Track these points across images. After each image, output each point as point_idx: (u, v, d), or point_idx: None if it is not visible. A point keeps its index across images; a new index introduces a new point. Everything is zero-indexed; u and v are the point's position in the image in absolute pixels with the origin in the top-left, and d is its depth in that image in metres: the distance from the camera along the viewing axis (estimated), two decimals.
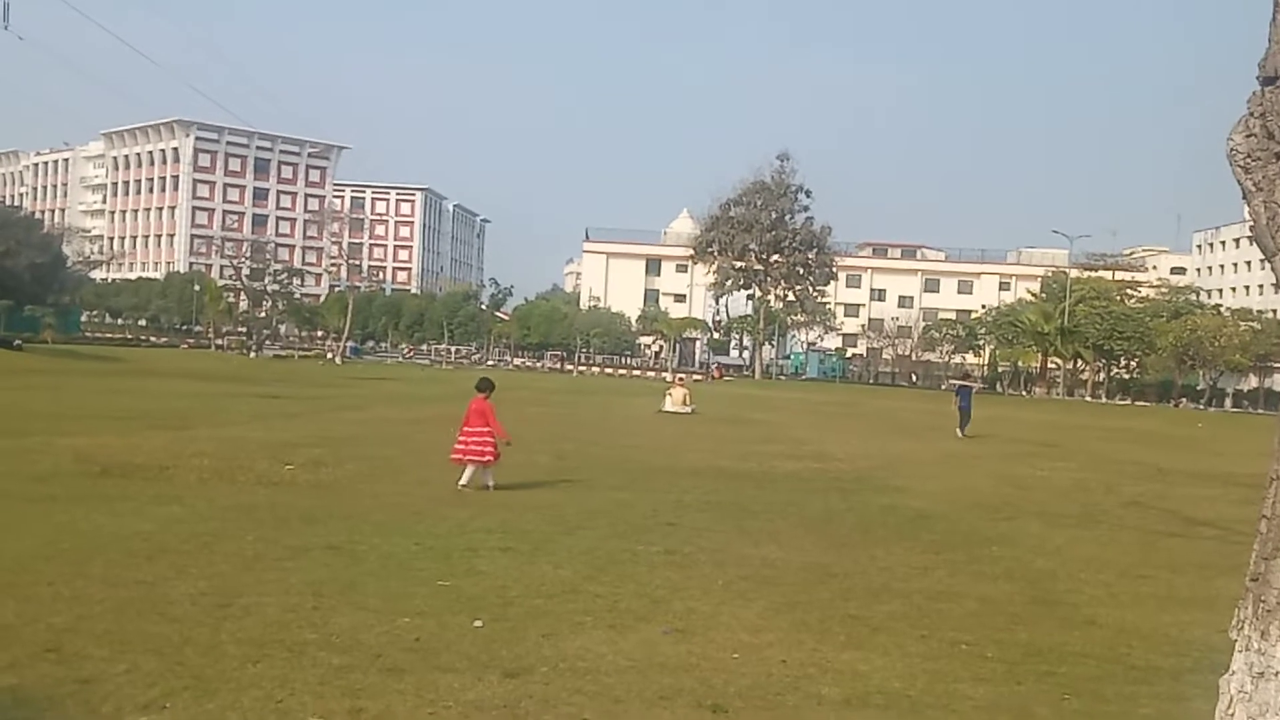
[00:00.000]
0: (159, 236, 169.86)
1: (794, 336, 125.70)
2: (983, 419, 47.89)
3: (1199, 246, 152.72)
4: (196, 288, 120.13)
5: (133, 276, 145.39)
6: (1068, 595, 10.44)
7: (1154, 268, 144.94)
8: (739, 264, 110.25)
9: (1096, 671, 7.69)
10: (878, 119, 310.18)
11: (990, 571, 11.46)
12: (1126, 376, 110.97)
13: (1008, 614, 9.40)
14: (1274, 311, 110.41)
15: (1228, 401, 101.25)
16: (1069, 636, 8.70)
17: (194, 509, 12.64)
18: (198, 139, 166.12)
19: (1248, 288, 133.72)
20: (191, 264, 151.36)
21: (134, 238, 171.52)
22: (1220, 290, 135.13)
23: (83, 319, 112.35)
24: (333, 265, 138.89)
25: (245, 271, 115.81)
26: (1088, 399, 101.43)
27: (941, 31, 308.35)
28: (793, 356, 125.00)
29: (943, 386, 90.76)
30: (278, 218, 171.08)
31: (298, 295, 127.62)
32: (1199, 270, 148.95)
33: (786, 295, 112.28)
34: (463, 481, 15.70)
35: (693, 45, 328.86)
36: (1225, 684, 2.81)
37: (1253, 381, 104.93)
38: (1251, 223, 2.72)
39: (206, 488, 14.45)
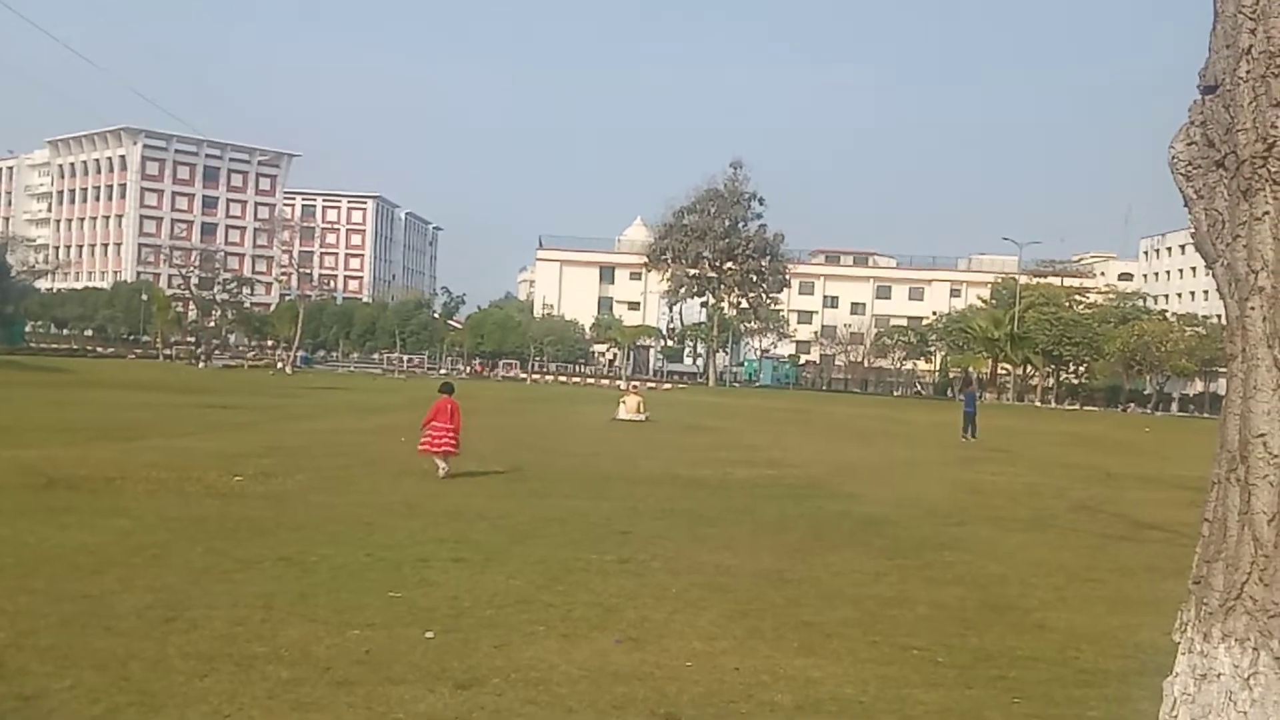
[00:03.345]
0: (106, 245, 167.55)
1: (748, 344, 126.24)
2: (932, 425, 48.38)
3: (1145, 253, 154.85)
4: (144, 297, 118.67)
5: (79, 286, 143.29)
6: (1018, 599, 10.52)
7: (1102, 274, 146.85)
8: (693, 271, 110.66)
9: (1046, 675, 7.75)
10: (829, 126, 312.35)
11: (942, 577, 11.53)
12: (1075, 381, 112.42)
13: (959, 619, 9.46)
14: (1218, 316, 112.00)
15: (1174, 406, 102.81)
16: (1019, 640, 8.77)
17: (141, 521, 12.47)
18: (145, 146, 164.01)
19: (1193, 293, 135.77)
20: (139, 273, 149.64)
21: (80, 247, 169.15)
22: (1166, 296, 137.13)
23: (27, 329, 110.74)
24: (283, 274, 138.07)
25: (194, 280, 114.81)
26: (1037, 404, 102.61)
27: (893, 38, 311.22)
28: (746, 364, 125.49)
29: (951, 395, 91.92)
30: (227, 226, 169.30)
31: (247, 304, 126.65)
32: (1145, 276, 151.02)
33: (740, 302, 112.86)
34: (443, 471, 18.08)
35: (646, 52, 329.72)
36: (1169, 686, 2.83)
37: (1198, 386, 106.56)
38: (1193, 230, 2.75)
39: (154, 499, 14.27)
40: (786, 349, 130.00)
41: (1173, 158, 2.73)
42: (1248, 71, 2.47)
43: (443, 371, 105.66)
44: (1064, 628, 9.33)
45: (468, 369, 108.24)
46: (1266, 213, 2.46)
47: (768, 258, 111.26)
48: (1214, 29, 2.58)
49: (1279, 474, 2.58)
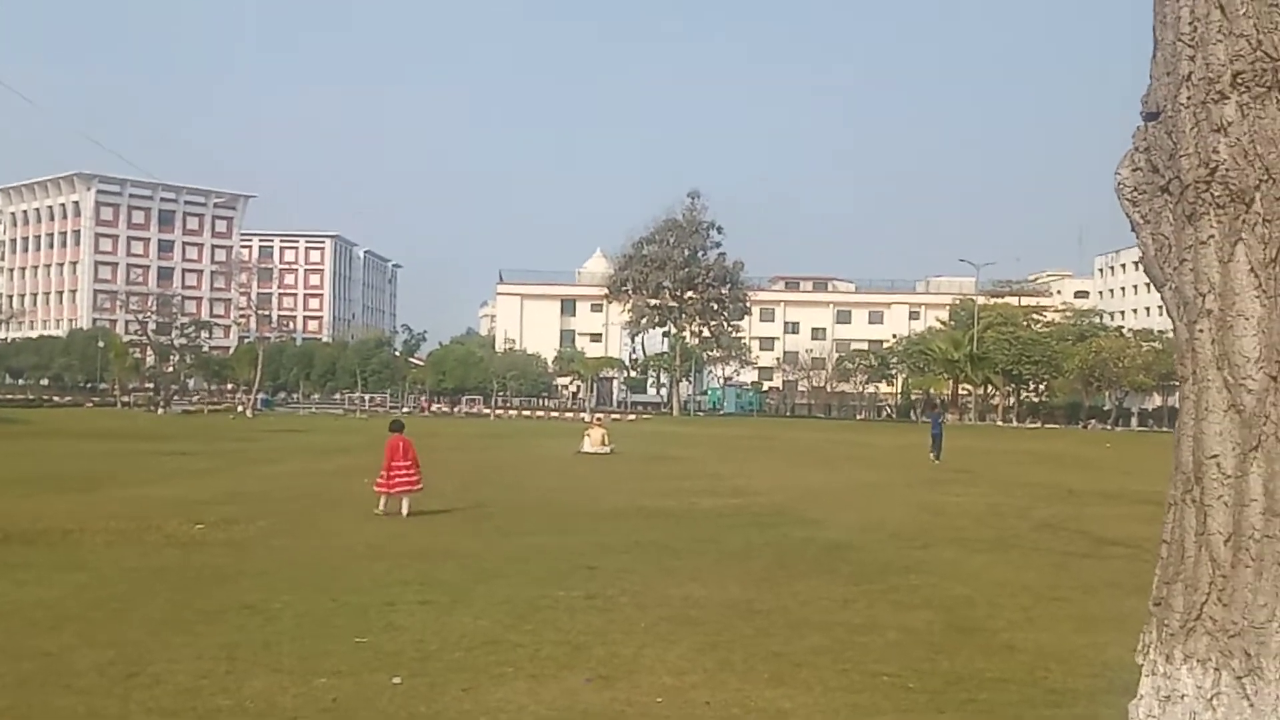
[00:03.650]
0: (60, 293, 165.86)
1: (710, 372, 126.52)
2: (895, 448, 48.58)
3: (1100, 270, 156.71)
4: (101, 344, 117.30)
5: (34, 335, 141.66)
6: (986, 621, 10.54)
7: (1058, 292, 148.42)
8: (653, 301, 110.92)
9: (1016, 696, 7.76)
10: (786, 153, 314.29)
11: (909, 601, 11.54)
12: (1036, 399, 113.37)
13: (928, 643, 9.46)
14: (1175, 331, 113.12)
15: (1134, 420, 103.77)
16: (988, 662, 8.78)
17: (100, 574, 12.28)
18: (99, 192, 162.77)
19: (1149, 309, 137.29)
20: (95, 320, 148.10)
21: (34, 295, 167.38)
22: (1122, 312, 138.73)
23: None
24: (242, 316, 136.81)
25: (151, 326, 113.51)
26: (999, 423, 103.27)
27: (847, 65, 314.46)
28: (710, 392, 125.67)
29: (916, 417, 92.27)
30: (184, 270, 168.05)
31: (206, 348, 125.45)
32: (1101, 293, 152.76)
33: (702, 331, 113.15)
34: (381, 509, 18.33)
35: (600, 85, 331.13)
36: (1134, 710, 2.83)
37: (1157, 400, 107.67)
38: (1141, 254, 2.78)
39: (113, 551, 14.06)
40: (749, 376, 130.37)
41: (1119, 183, 2.76)
42: (1188, 98, 2.50)
43: (405, 410, 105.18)
44: (1032, 648, 9.35)
45: (415, 406, 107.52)
46: (1211, 236, 2.48)
47: (728, 286, 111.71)
48: (1154, 56, 2.62)
49: (1233, 495, 2.60)
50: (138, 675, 7.89)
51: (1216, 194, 2.45)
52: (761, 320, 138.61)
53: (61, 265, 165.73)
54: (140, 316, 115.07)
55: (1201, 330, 2.54)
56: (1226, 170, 2.42)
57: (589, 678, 8.06)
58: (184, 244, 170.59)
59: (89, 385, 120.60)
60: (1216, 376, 2.53)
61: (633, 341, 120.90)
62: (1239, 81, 2.43)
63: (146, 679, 7.80)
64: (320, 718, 6.92)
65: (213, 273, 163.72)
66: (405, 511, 18.25)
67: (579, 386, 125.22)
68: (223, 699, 7.32)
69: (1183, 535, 2.75)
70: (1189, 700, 2.68)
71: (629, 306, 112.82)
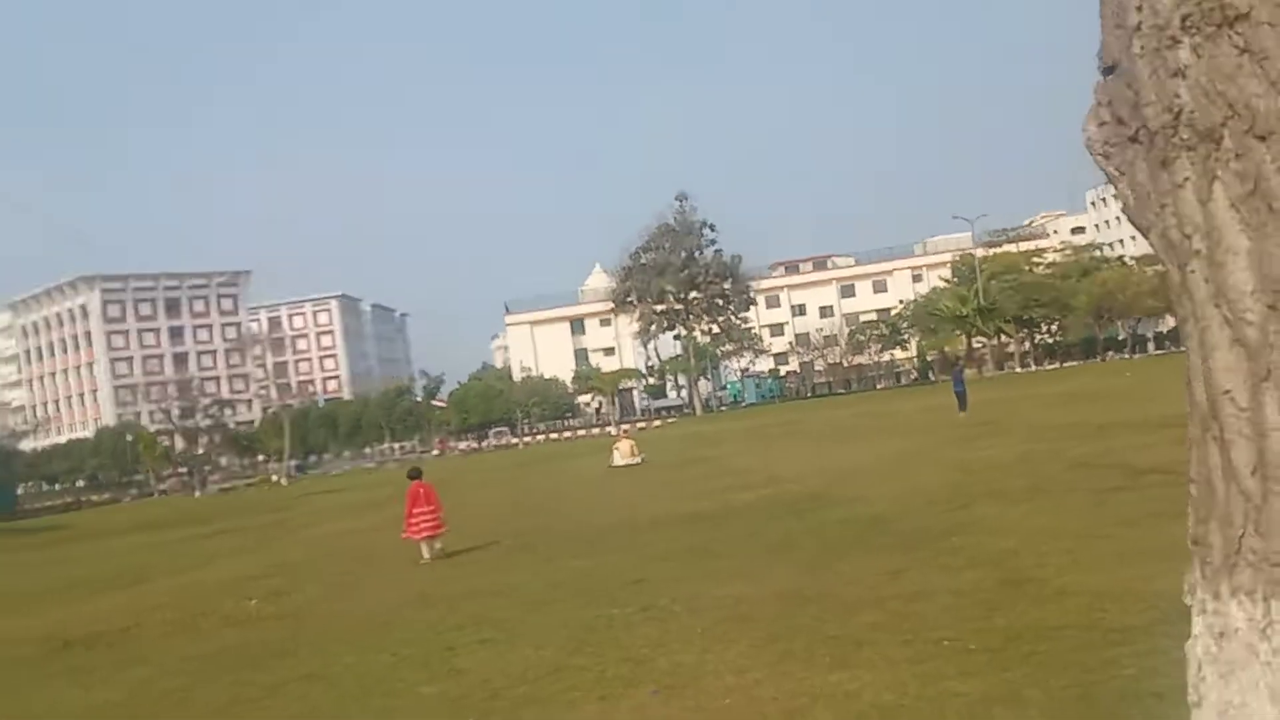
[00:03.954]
0: (82, 395, 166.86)
1: (727, 366, 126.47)
2: (919, 411, 48.50)
3: (1093, 204, 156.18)
4: (129, 438, 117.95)
5: (63, 440, 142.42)
6: (1034, 571, 10.54)
7: (1055, 232, 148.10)
8: (660, 307, 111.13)
9: (1077, 642, 7.77)
10: (765, 137, 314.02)
11: (955, 563, 11.54)
12: (1050, 341, 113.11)
13: (981, 602, 9.47)
14: (1168, 274, 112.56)
15: (1150, 345, 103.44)
16: (1044, 612, 8.79)
17: (161, 666, 12.36)
18: (104, 291, 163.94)
19: None
20: (119, 415, 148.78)
21: (56, 401, 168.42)
22: (1121, 241, 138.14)
23: (19, 492, 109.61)
24: (262, 389, 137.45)
25: (175, 413, 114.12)
26: (1018, 370, 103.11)
27: (817, 36, 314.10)
28: (730, 386, 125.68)
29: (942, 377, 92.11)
30: (198, 352, 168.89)
31: (232, 425, 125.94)
32: (1097, 226, 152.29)
33: (711, 328, 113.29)
34: (426, 557, 18.44)
35: (579, 100, 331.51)
36: (1191, 649, 2.87)
37: (1170, 322, 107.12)
38: (1122, 206, 2.82)
39: (171, 641, 14.13)
40: (765, 364, 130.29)
41: (1087, 140, 2.80)
42: (1142, 47, 2.54)
43: (435, 453, 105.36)
44: (1083, 590, 9.34)
45: (431, 448, 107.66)
46: (1187, 179, 2.52)
47: (729, 280, 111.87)
48: (1101, 9, 2.66)
49: (1251, 427, 2.63)
50: None
51: (1185, 137, 2.49)
52: (768, 308, 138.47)
53: (79, 368, 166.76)
54: (163, 405, 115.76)
55: (1193, 270, 2.58)
56: (1191, 112, 2.46)
57: (655, 690, 8.10)
58: (194, 327, 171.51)
59: (125, 480, 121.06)
60: (1215, 314, 2.57)
61: (646, 349, 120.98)
62: (1188, 24, 2.46)
63: None
64: None
65: (226, 350, 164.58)
66: (439, 553, 18.60)
67: (601, 402, 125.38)
68: None
69: (1209, 473, 2.79)
70: (1243, 633, 2.71)
71: (636, 316, 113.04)
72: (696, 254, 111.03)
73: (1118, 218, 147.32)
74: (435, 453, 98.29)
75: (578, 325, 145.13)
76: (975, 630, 8.48)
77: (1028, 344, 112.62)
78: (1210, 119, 2.40)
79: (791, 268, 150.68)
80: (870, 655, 8.23)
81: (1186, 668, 2.94)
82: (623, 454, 39.93)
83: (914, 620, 9.14)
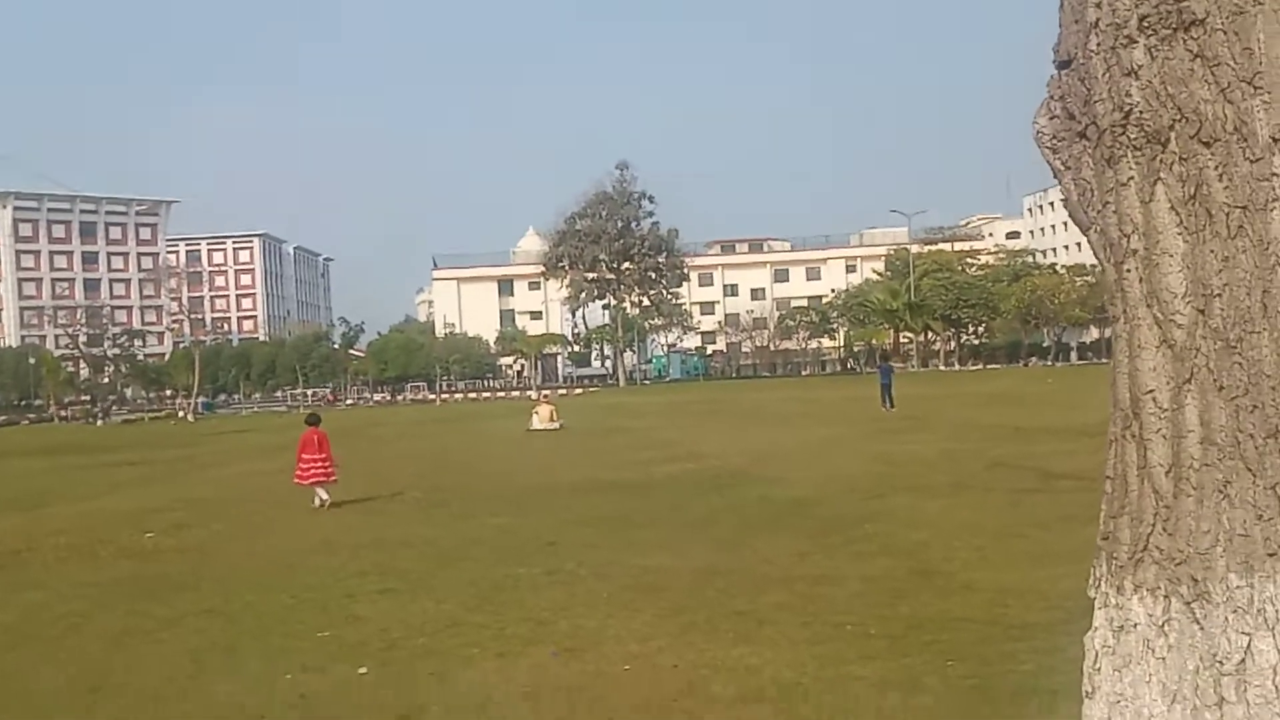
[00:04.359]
0: None
1: (654, 340, 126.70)
2: (843, 400, 49.02)
3: (1030, 209, 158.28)
4: (32, 361, 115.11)
5: None
6: (943, 564, 10.72)
7: (990, 235, 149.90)
8: (591, 275, 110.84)
9: (977, 635, 7.91)
10: (710, 117, 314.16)
11: (867, 550, 11.70)
12: (976, 342, 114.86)
13: (888, 590, 9.61)
14: (1103, 273, 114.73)
15: (1073, 355, 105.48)
16: (948, 603, 8.94)
17: (56, 591, 12.11)
18: (15, 209, 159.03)
19: (1079, 244, 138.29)
20: (24, 337, 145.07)
21: None
22: (1054, 249, 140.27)
23: None
24: (174, 322, 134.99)
25: (82, 339, 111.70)
26: (942, 368, 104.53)
27: (765, 20, 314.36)
28: (655, 360, 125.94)
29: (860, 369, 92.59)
30: (111, 280, 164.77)
31: (141, 357, 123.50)
32: (1032, 232, 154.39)
33: (641, 301, 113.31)
34: (321, 498, 18.43)
35: (521, 60, 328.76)
36: (1089, 641, 2.92)
37: (1094, 333, 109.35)
38: (1064, 200, 2.85)
39: (66, 567, 13.85)
40: (692, 341, 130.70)
41: (1037, 132, 2.81)
42: (1098, 44, 2.55)
43: (349, 403, 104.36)
44: (990, 586, 9.53)
45: (319, 396, 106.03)
46: (1131, 178, 2.55)
47: (664, 254, 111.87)
48: (1061, 4, 2.67)
49: (1171, 427, 2.67)
50: (100, 689, 7.83)
51: (1133, 136, 2.51)
52: (700, 285, 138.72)
53: None
54: (70, 330, 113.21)
55: (1129, 270, 2.61)
56: (1140, 113, 2.48)
57: (555, 651, 8.11)
58: (109, 254, 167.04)
59: (23, 403, 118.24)
60: (1146, 314, 2.60)
61: (573, 316, 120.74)
62: (1145, 25, 2.48)
63: (110, 691, 7.75)
64: (289, 715, 6.91)
65: (141, 281, 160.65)
66: (325, 500, 18.48)
67: (523, 365, 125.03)
68: (189, 704, 7.29)
69: (1125, 470, 2.83)
70: (1141, 628, 2.77)
71: (566, 282, 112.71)
72: (633, 224, 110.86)
73: (1053, 226, 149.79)
74: (326, 404, 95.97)
75: (506, 286, 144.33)
76: (879, 617, 8.61)
77: (954, 343, 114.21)
78: (1159, 121, 2.42)
79: (728, 247, 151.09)
80: (773, 633, 8.32)
81: (1084, 659, 2.99)
82: (542, 418, 39.85)
83: (820, 603, 9.25)
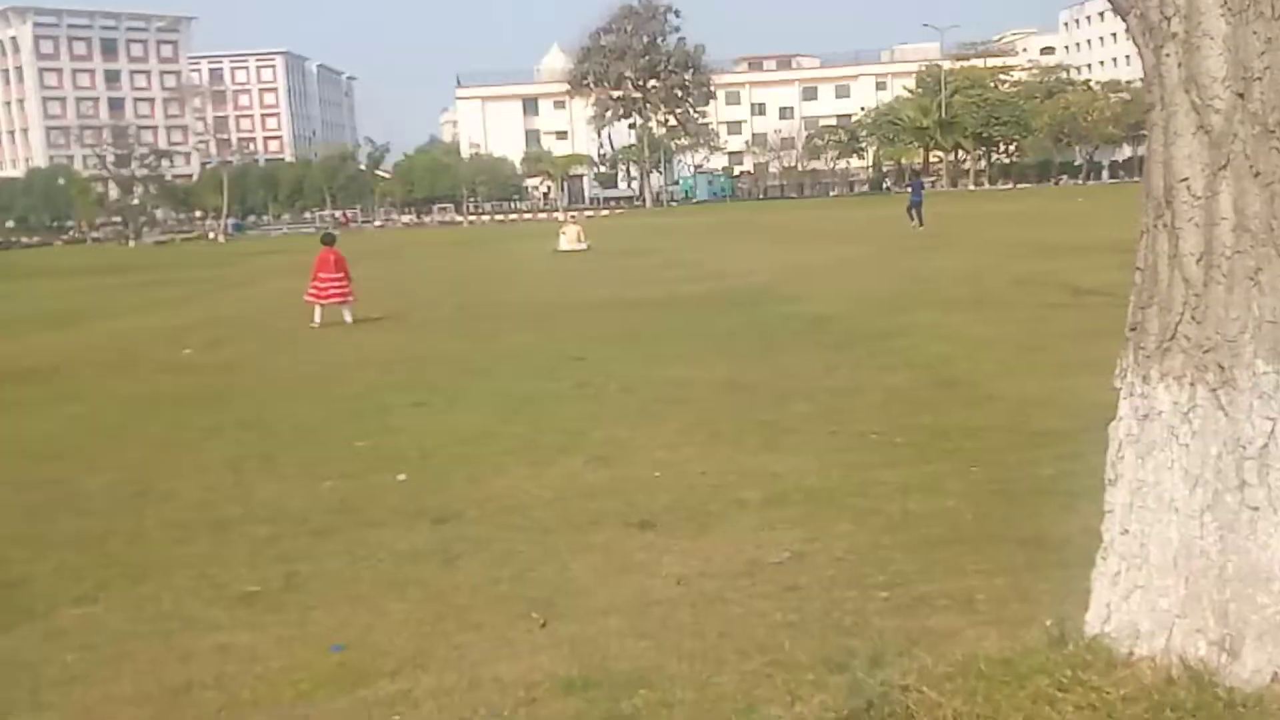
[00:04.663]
0: (11, 133, 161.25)
1: (680, 161, 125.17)
2: (871, 220, 48.65)
3: (1066, 24, 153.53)
4: (61, 182, 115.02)
5: None
6: (967, 375, 10.80)
7: (1024, 50, 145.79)
8: (616, 93, 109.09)
9: (999, 442, 8.02)
10: None
11: (891, 363, 11.78)
12: (1007, 161, 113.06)
13: (912, 401, 9.72)
14: (1141, 80, 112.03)
15: (1105, 174, 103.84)
16: (971, 413, 9.04)
17: (95, 404, 12.42)
18: (35, 25, 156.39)
19: (1115, 60, 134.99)
20: (51, 158, 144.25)
21: None
22: (1089, 65, 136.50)
23: None
24: (201, 142, 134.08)
25: (110, 159, 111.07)
26: (971, 187, 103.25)
27: None
28: (681, 181, 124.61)
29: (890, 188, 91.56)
30: (135, 99, 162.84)
31: (169, 177, 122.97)
32: (1067, 48, 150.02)
33: (668, 120, 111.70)
34: (317, 322, 18.56)
35: None
36: (1114, 430, 2.97)
37: (1126, 151, 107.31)
38: None
39: (104, 381, 14.15)
40: (719, 162, 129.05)
41: None
42: None
43: (377, 224, 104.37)
44: (1012, 396, 9.61)
45: (335, 218, 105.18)
46: None
47: (690, 71, 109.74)
48: None
49: (1204, 215, 2.66)
50: (146, 494, 8.07)
51: None
52: (727, 104, 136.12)
53: (8, 104, 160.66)
54: (97, 150, 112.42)
55: (1168, 54, 2.56)
56: None
57: (587, 459, 8.28)
58: (131, 72, 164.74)
59: (56, 224, 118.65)
60: (1184, 100, 2.56)
61: (599, 136, 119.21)
62: None
63: (156, 496, 8.00)
64: (331, 518, 7.12)
65: (165, 100, 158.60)
66: (349, 320, 18.72)
67: (549, 187, 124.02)
68: (233, 508, 7.52)
69: (1155, 260, 2.83)
70: (1165, 416, 2.80)
71: (592, 100, 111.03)
72: (659, 40, 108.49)
73: (1089, 40, 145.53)
74: (341, 226, 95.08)
75: (531, 105, 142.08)
76: (902, 426, 8.72)
77: (984, 162, 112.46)
78: None
79: (755, 64, 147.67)
80: (798, 442, 8.46)
81: (1108, 449, 3.04)
82: (569, 239, 39.78)
83: (844, 413, 9.37)
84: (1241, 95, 2.49)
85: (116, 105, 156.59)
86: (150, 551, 6.69)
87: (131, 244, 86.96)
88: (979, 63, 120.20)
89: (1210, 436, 2.75)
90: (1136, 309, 2.92)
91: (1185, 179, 2.63)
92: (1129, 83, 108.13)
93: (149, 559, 6.53)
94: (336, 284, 18.92)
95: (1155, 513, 2.93)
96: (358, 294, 19.46)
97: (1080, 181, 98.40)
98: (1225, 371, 2.70)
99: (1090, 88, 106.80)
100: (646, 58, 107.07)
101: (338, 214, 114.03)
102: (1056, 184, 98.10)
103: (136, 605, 5.76)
